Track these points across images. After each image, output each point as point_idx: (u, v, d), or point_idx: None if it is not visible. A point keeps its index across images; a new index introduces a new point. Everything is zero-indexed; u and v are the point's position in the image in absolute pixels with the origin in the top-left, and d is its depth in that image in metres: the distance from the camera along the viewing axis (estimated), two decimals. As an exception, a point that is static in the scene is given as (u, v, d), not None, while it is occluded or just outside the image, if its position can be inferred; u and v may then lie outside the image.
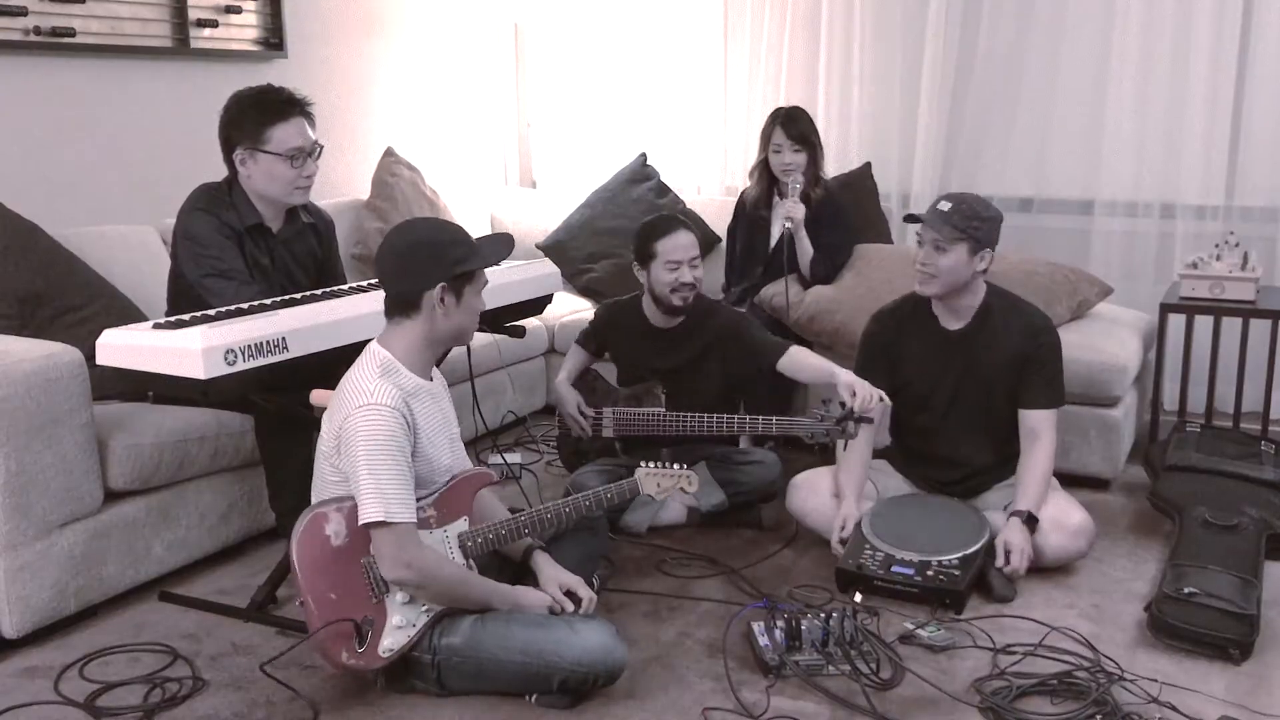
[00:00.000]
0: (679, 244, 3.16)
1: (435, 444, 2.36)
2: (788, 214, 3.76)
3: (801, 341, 3.85)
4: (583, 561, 2.64)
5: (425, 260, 2.26)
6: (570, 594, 2.44)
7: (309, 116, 2.86)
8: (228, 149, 2.84)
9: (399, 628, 2.28)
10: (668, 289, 3.18)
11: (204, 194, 2.86)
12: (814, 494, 3.11)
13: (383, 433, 2.19)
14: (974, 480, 3.06)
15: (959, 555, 2.78)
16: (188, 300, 2.82)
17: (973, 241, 2.84)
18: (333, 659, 2.27)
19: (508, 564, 2.56)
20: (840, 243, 3.91)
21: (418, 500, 2.28)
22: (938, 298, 2.96)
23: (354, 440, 2.20)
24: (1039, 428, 2.96)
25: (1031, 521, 2.86)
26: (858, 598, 2.68)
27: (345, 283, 3.13)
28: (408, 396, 2.27)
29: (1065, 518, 2.91)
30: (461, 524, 2.39)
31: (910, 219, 2.98)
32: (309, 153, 2.84)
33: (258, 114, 2.79)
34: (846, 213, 3.98)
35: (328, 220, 3.14)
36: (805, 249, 3.84)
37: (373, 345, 2.34)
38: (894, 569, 2.77)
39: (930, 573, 2.75)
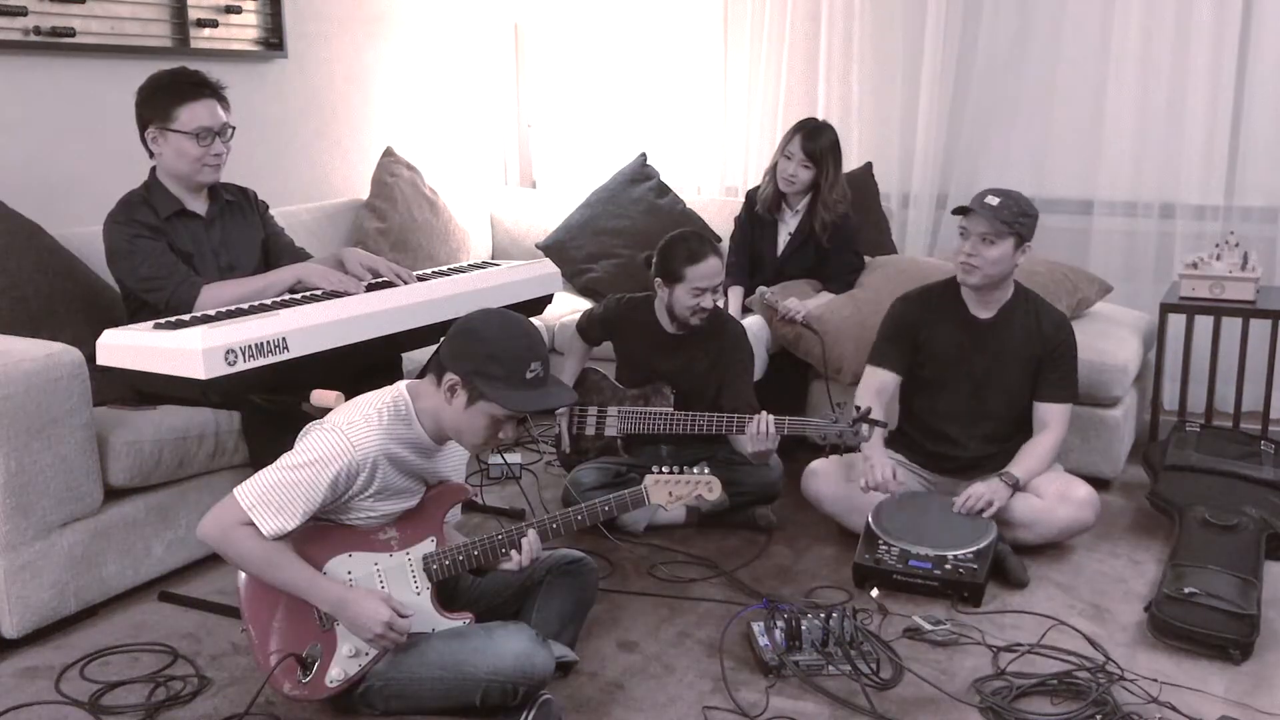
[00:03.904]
0: (708, 271, 3.16)
1: (395, 501, 2.27)
2: (790, 310, 3.66)
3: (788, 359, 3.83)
4: (570, 616, 2.49)
5: (464, 347, 2.17)
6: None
7: (221, 99, 2.93)
8: (141, 129, 2.91)
9: (350, 656, 2.21)
10: (689, 312, 3.21)
11: (120, 206, 2.92)
12: (829, 480, 3.15)
13: (322, 460, 2.11)
14: (974, 465, 3.11)
15: (973, 550, 2.80)
16: (139, 304, 2.88)
17: (1017, 237, 2.94)
18: (277, 690, 2.21)
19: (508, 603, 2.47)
20: (851, 264, 3.92)
21: (376, 522, 2.25)
22: (976, 289, 3.02)
23: (300, 444, 2.16)
24: (1050, 420, 3.05)
25: (1014, 485, 2.95)
26: (874, 592, 2.69)
27: (294, 249, 3.18)
28: (390, 454, 2.18)
29: (1071, 491, 2.99)
30: (428, 545, 2.29)
31: (959, 211, 3.01)
32: (217, 133, 2.90)
33: (167, 94, 2.87)
34: (857, 238, 3.95)
35: (250, 193, 3.17)
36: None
37: (402, 385, 2.27)
38: (911, 563, 2.80)
39: (948, 566, 2.77)
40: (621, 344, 3.42)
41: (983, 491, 2.94)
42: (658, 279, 3.25)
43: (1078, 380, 3.11)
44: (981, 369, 3.07)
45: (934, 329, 3.10)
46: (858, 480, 3.09)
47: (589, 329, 3.48)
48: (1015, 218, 2.92)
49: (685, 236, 3.28)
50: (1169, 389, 4.06)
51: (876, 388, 3.11)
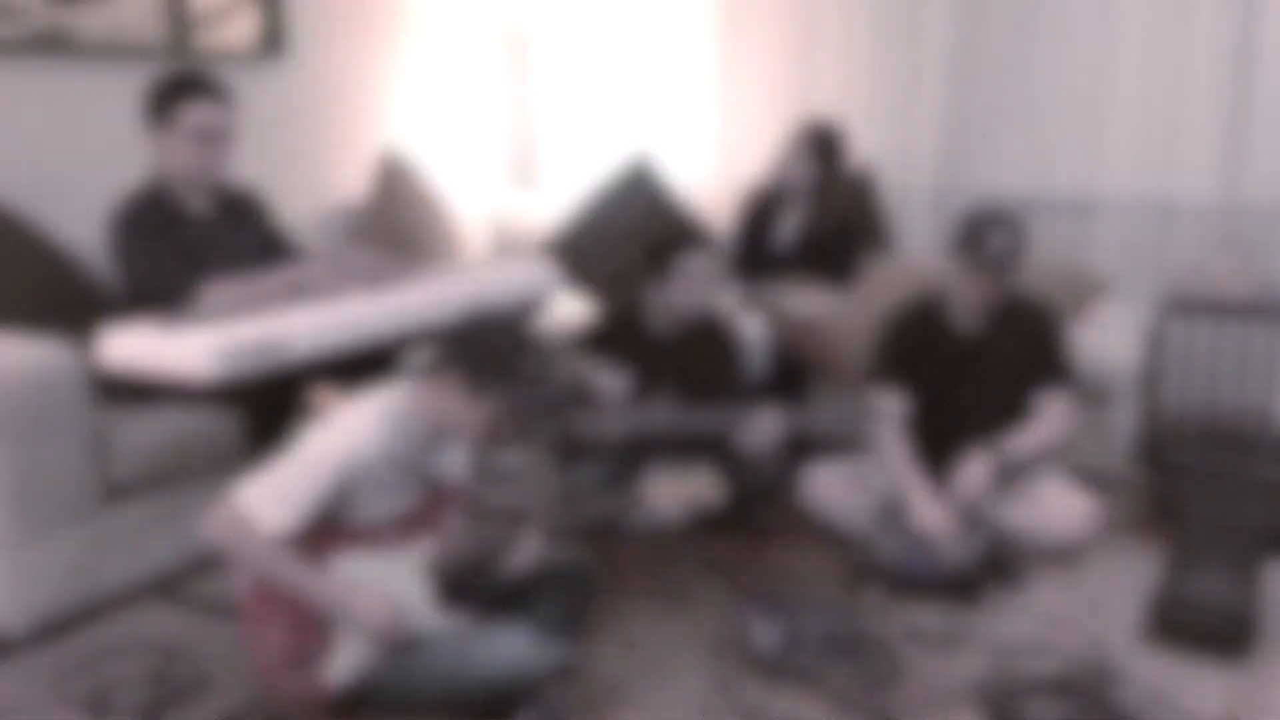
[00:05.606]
0: (696, 265, 3.18)
1: (395, 501, 2.27)
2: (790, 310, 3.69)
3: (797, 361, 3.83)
4: (570, 616, 2.46)
5: (462, 345, 2.19)
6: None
7: (225, 100, 2.94)
8: (145, 128, 2.93)
9: (351, 657, 2.20)
10: (683, 308, 3.22)
11: (122, 205, 2.92)
12: (826, 487, 3.14)
13: (322, 459, 2.11)
14: None
15: (972, 550, 2.81)
16: (139, 304, 2.86)
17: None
18: (277, 690, 2.21)
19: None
20: (851, 264, 3.91)
21: (377, 522, 2.24)
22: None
23: (300, 444, 2.15)
24: (1044, 405, 2.97)
25: (999, 453, 2.88)
26: (874, 593, 2.70)
27: (296, 250, 3.19)
28: (390, 454, 2.18)
29: (1070, 506, 2.96)
30: (428, 545, 2.29)
31: (971, 253, 2.86)
32: (220, 134, 2.93)
33: (171, 94, 2.89)
34: (857, 237, 3.95)
35: (251, 191, 3.19)
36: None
37: (402, 385, 2.27)
38: (909, 562, 2.81)
39: (948, 567, 2.78)
40: (617, 350, 3.44)
41: (966, 477, 2.87)
42: (648, 279, 3.27)
43: (1068, 364, 3.00)
44: (973, 387, 3.01)
45: (922, 354, 3.06)
46: (856, 484, 3.08)
47: (586, 346, 3.50)
48: (1021, 245, 2.86)
49: (671, 235, 3.32)
50: (1169, 389, 4.06)
51: (893, 412, 3.02)
